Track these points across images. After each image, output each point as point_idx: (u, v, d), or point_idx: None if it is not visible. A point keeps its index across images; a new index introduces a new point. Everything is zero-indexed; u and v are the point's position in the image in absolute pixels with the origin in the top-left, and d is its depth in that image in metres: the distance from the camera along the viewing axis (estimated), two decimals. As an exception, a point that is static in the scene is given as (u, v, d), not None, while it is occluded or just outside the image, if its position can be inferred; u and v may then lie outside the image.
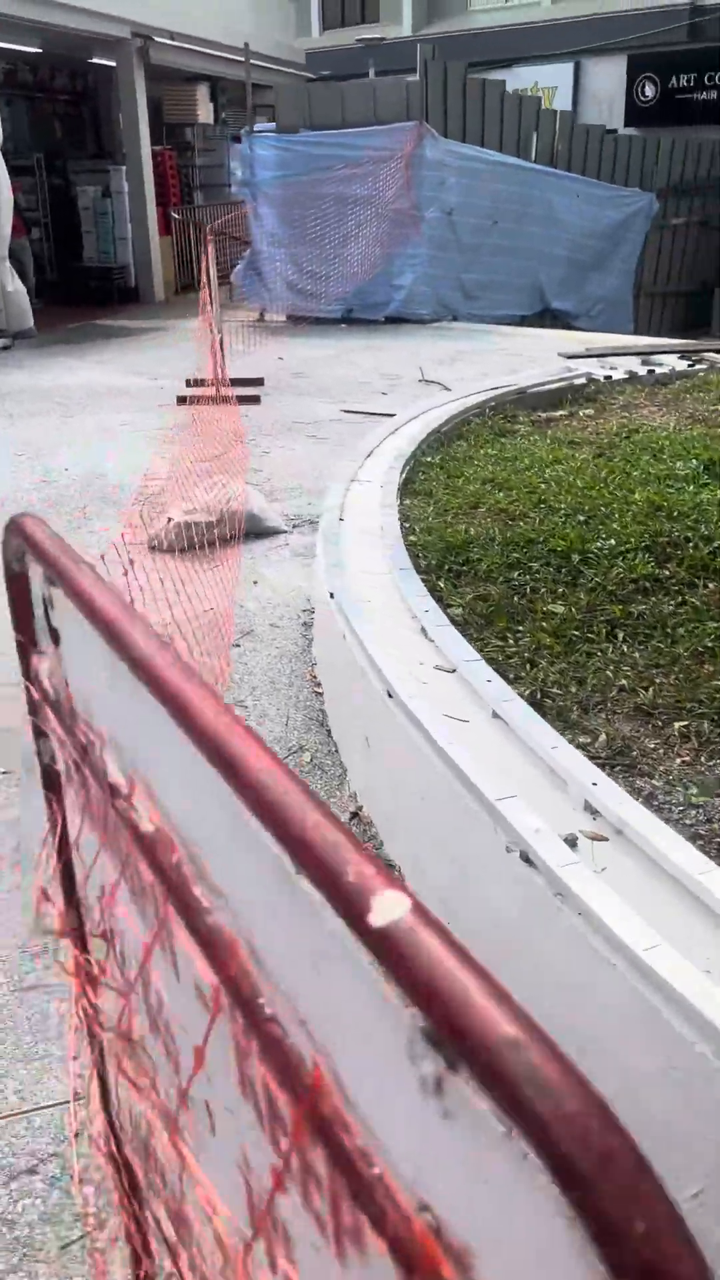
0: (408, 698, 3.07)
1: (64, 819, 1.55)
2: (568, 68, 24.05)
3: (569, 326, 17.57)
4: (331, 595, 3.90)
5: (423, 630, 3.60)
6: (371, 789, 3.41)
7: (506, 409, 7.22)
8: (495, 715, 3.06)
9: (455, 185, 15.19)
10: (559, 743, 2.82)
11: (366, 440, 6.09)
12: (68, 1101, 2.54)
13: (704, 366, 8.65)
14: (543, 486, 5.12)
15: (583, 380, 7.97)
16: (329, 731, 3.90)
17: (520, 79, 22.66)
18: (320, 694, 4.16)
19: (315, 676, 4.28)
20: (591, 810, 2.64)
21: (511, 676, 3.42)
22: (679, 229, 19.88)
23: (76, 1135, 2.45)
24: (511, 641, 3.70)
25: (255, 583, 5.17)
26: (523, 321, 16.89)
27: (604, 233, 17.70)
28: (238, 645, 4.57)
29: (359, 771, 3.53)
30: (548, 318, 17.43)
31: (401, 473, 5.41)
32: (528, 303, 17.02)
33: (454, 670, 3.35)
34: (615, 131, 19.30)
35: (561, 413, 7.30)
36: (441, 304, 15.59)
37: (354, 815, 3.44)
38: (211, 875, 0.92)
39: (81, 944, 1.59)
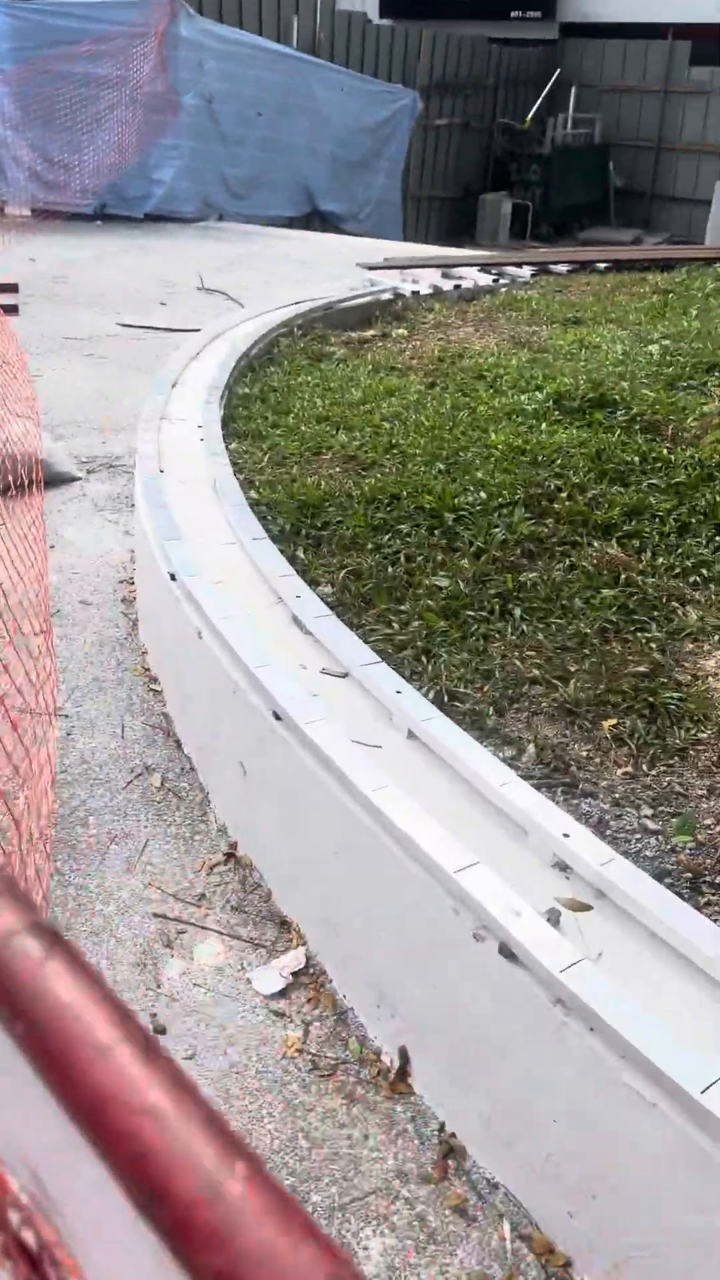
0: (304, 723, 2.45)
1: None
2: (318, -52, 22.71)
3: (338, 230, 16.82)
4: (173, 578, 3.19)
5: (295, 621, 2.97)
6: (253, 826, 2.79)
7: (315, 328, 6.52)
8: (412, 735, 2.50)
9: (215, 70, 13.97)
10: (509, 778, 2.30)
11: (169, 365, 5.26)
12: None
13: (505, 281, 8.23)
14: (386, 426, 4.52)
15: (389, 295, 7.35)
16: (179, 743, 3.23)
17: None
18: (158, 692, 3.46)
19: (149, 670, 3.56)
20: (563, 866, 2.15)
21: (407, 673, 2.86)
22: (442, 130, 19.37)
23: None
24: (397, 626, 3.13)
25: (53, 546, 4.33)
26: (290, 223, 15.99)
27: (370, 130, 16.94)
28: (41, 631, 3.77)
29: (232, 802, 2.89)
30: (316, 220, 16.61)
31: (220, 408, 4.66)
32: (295, 203, 16.12)
33: (346, 675, 2.75)
34: (371, 21, 18.39)
35: (373, 332, 6.68)
36: (205, 201, 14.44)
37: (229, 856, 2.81)
38: None
39: None
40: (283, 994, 2.44)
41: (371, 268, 8.15)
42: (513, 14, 21.78)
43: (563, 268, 8.62)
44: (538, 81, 21.28)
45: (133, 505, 4.70)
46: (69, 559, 4.22)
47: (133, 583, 4.08)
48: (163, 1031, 2.35)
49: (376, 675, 2.67)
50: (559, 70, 21.02)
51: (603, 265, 8.76)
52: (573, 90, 21.00)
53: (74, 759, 3.15)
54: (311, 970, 2.50)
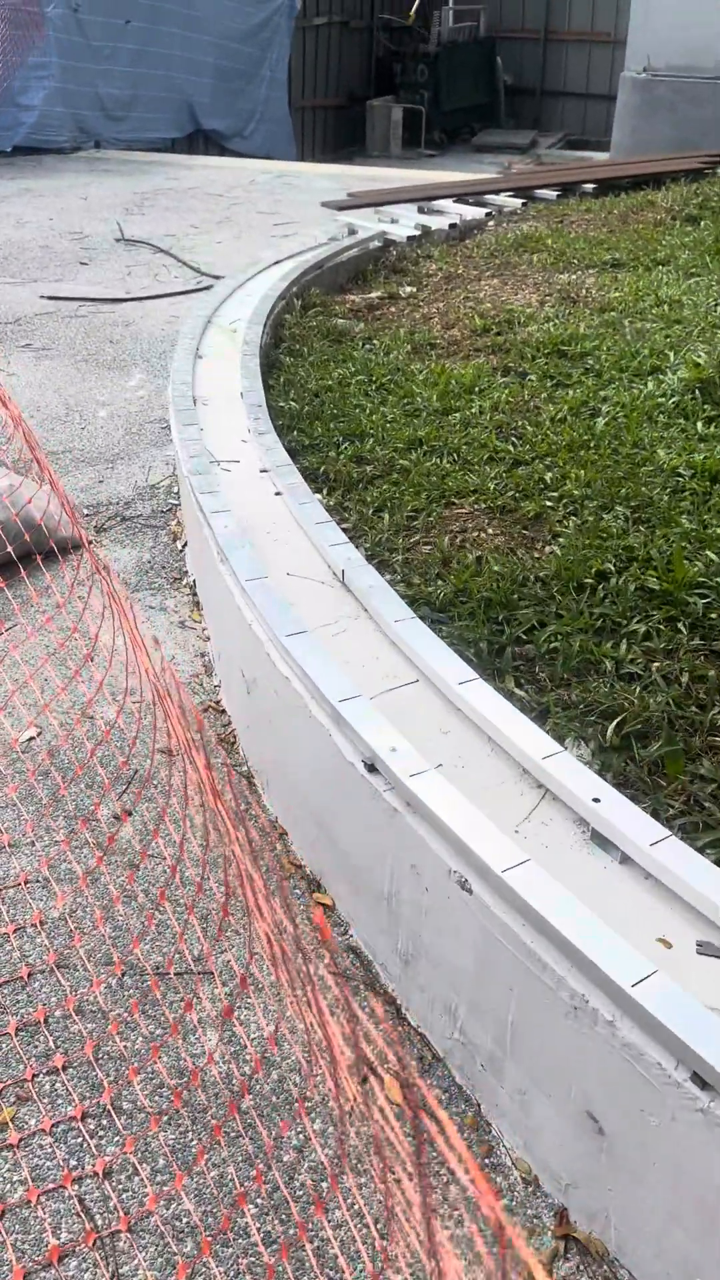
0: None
1: None
2: None
3: (223, 149, 15.22)
4: (372, 768, 2.10)
5: (596, 838, 1.92)
6: (608, 1201, 1.77)
7: (312, 296, 5.30)
8: None
9: (78, -29, 12.12)
10: None
11: (175, 371, 4.03)
12: None
13: (492, 212, 7.07)
14: (509, 448, 3.43)
15: (378, 243, 6.13)
16: (398, 1009, 2.17)
17: None
18: (328, 907, 2.38)
19: (302, 866, 2.48)
20: None
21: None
22: (321, 31, 17.70)
23: None
24: (714, 807, 2.11)
25: (94, 658, 3.14)
26: (173, 145, 14.34)
27: (248, 34, 15.26)
28: (123, 811, 2.63)
29: (551, 1150, 1.86)
30: (199, 140, 14.95)
31: (277, 437, 3.49)
32: (178, 123, 14.44)
33: (733, 949, 1.73)
34: None
35: (378, 294, 5.49)
36: (80, 127, 12.70)
37: (566, 1239, 1.80)
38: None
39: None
40: None
41: (341, 207, 6.87)
42: None
43: (550, 192, 7.48)
44: (414, -29, 19.66)
45: (176, 579, 3.53)
46: (118, 679, 3.04)
47: (222, 711, 2.95)
48: None
49: None
50: (439, -43, 19.44)
51: (589, 186, 7.64)
52: (451, -21, 19.49)
53: (250, 1042, 2.07)
54: None
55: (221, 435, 3.59)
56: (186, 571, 3.53)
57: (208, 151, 14.95)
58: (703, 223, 6.32)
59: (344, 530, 2.94)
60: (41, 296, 6.36)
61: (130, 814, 2.62)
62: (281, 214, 8.63)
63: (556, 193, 7.46)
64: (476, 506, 3.06)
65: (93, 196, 9.46)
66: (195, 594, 3.42)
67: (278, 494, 3.20)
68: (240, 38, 15.05)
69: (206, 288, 6.48)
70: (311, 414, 3.83)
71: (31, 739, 2.83)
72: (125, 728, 2.88)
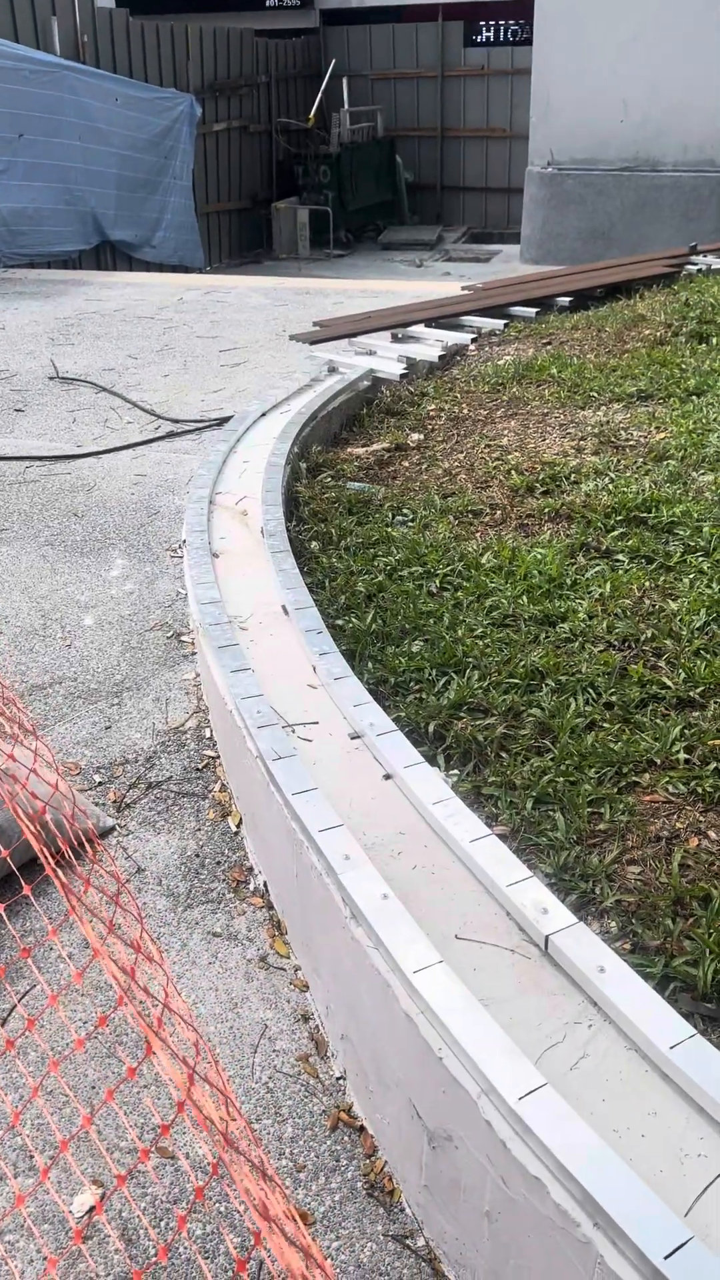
0: None
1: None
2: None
3: (131, 259, 14.62)
4: None
5: None
6: None
7: (312, 452, 4.55)
8: None
9: (-28, 88, 11.46)
10: None
11: (191, 573, 3.21)
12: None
13: (473, 336, 6.47)
14: (665, 680, 2.68)
15: (367, 382, 5.44)
16: None
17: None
18: None
19: None
20: None
21: None
22: (221, 136, 17.35)
23: None
24: None
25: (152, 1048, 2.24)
26: (81, 258, 13.68)
27: (151, 143, 14.78)
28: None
29: None
30: (106, 251, 14.33)
31: (360, 688, 2.69)
32: (84, 234, 13.79)
33: None
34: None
35: (383, 445, 4.78)
36: (-20, 246, 11.94)
37: None
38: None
39: None
40: None
41: (313, 341, 6.17)
42: (269, 2, 19.96)
43: (527, 310, 6.93)
44: (307, 76, 19.58)
45: (240, 882, 2.65)
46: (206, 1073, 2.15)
47: (358, 1127, 2.08)
48: None
49: None
50: (334, 61, 19.36)
51: (564, 300, 7.12)
52: (344, 82, 19.42)
53: None
54: None
55: (277, 677, 2.77)
56: (250, 868, 2.67)
57: (116, 263, 14.35)
58: (715, 339, 5.80)
59: (497, 834, 2.14)
60: (-22, 457, 5.49)
61: None
62: (224, 338, 7.93)
63: (535, 310, 6.91)
64: (672, 790, 2.28)
65: (11, 325, 8.64)
66: (269, 901, 2.56)
67: (387, 777, 2.38)
68: (143, 147, 14.55)
69: (167, 435, 5.71)
70: (379, 633, 3.04)
71: (90, 1211, 1.91)
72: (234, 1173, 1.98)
